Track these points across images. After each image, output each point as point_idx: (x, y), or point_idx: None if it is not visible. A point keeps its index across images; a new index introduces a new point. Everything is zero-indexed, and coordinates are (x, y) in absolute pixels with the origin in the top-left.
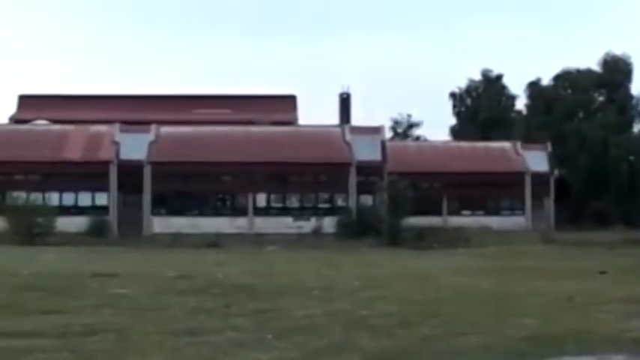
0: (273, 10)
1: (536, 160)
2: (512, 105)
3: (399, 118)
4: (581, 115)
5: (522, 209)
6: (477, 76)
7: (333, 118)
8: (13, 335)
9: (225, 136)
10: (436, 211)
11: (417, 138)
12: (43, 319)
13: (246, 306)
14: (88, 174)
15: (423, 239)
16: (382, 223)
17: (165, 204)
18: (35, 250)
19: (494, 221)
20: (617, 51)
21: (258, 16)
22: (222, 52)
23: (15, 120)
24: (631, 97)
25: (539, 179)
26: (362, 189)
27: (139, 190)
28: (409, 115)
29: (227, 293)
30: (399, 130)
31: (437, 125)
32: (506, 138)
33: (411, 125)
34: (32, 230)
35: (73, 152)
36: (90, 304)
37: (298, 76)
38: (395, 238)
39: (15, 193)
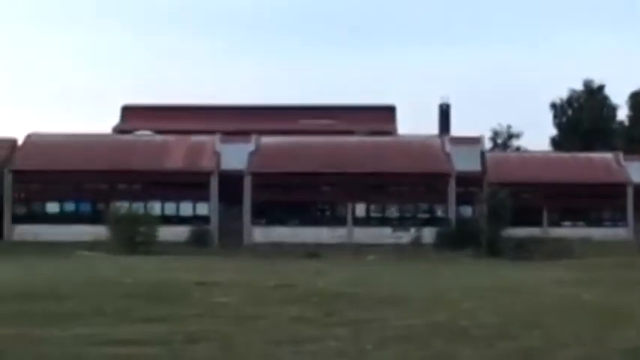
0: (374, 22)
1: (639, 172)
2: (614, 116)
3: (498, 128)
4: None
5: (624, 220)
6: (579, 87)
7: (432, 128)
8: (118, 343)
9: (325, 146)
10: (536, 222)
11: (517, 149)
12: (146, 327)
13: (347, 315)
14: (189, 184)
15: (523, 250)
16: (482, 234)
17: (266, 214)
18: (137, 259)
19: (595, 232)
20: None
21: (359, 27)
22: (322, 63)
23: (118, 130)
24: None
25: None
26: (461, 199)
27: (239, 200)
28: (509, 126)
29: (327, 302)
30: (499, 141)
31: (537, 136)
32: (608, 149)
33: (511, 136)
34: (134, 239)
35: (175, 162)
36: (192, 312)
37: (398, 87)
38: (495, 248)
39: (118, 203)
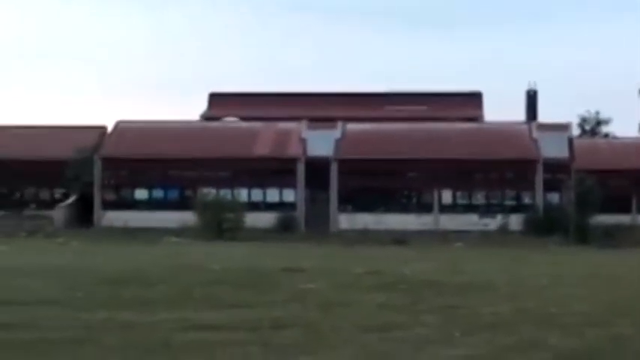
0: (462, 7)
1: None
2: None
3: (586, 115)
4: None
5: None
6: None
7: (519, 115)
8: (206, 328)
9: (411, 132)
10: (625, 209)
11: (606, 135)
12: (233, 312)
13: (434, 302)
14: (275, 170)
15: (611, 238)
16: (569, 221)
17: (352, 200)
18: (224, 245)
19: None
20: None
21: (445, 13)
22: (408, 49)
23: (206, 117)
24: None
25: None
26: (548, 186)
27: (325, 186)
28: (597, 112)
29: (414, 290)
30: (587, 128)
31: (626, 122)
32: None
33: (599, 122)
34: (222, 226)
35: (262, 149)
36: (279, 298)
37: (485, 73)
38: (582, 236)
39: (205, 189)
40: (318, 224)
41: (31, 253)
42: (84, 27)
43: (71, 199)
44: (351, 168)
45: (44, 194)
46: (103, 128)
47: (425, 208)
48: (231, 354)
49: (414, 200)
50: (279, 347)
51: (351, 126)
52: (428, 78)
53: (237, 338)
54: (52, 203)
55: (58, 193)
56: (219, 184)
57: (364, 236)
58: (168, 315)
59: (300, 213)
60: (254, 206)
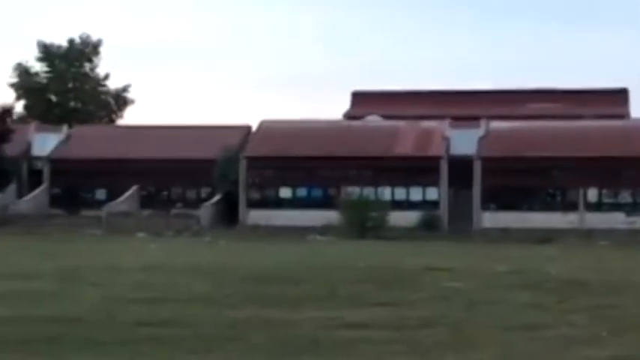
0: (603, 2)
1: None
2: None
3: None
4: None
5: None
6: None
7: None
8: (352, 327)
9: (556, 130)
10: None
11: None
12: (379, 311)
13: (580, 302)
14: (418, 169)
15: None
16: None
17: (495, 199)
18: (368, 243)
19: None
20: None
21: (586, 8)
22: (551, 45)
23: (348, 116)
24: None
25: None
26: None
27: (468, 185)
28: None
29: (560, 289)
30: None
31: None
32: None
33: None
34: (365, 224)
35: (404, 148)
36: (423, 297)
37: (631, 70)
38: None
39: (349, 188)
40: (461, 223)
41: (179, 251)
42: (226, 28)
43: (216, 198)
44: (494, 166)
45: (190, 193)
46: (247, 128)
47: (570, 206)
48: (376, 352)
49: (559, 198)
50: (425, 346)
51: (495, 124)
52: (573, 75)
53: (383, 337)
54: (198, 202)
55: (204, 192)
56: (362, 182)
57: (508, 235)
58: (313, 313)
59: (443, 212)
60: (397, 205)
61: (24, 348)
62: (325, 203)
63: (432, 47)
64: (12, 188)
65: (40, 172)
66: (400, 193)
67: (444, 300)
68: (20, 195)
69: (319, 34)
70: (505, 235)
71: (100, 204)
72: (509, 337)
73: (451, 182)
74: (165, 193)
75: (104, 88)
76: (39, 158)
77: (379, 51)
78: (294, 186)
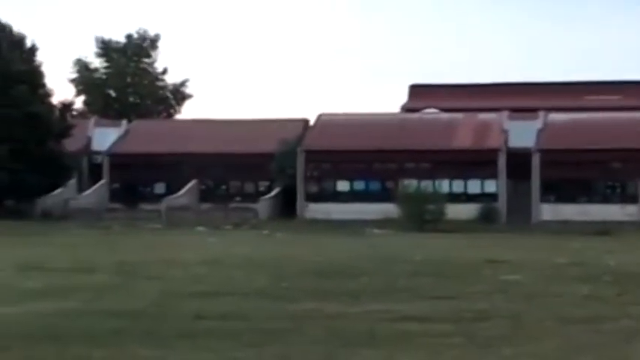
0: None
1: None
2: None
3: None
4: None
5: None
6: None
7: None
8: (410, 319)
9: (615, 122)
10: None
11: None
12: (437, 303)
13: None
14: (476, 162)
15: None
16: None
17: (554, 191)
18: (426, 236)
19: None
20: None
21: None
22: (611, 36)
23: (406, 109)
24: None
25: None
26: None
27: (527, 177)
28: None
29: (619, 281)
30: None
31: None
32: None
33: None
34: (423, 217)
35: (462, 140)
36: (482, 290)
37: None
38: None
39: (407, 181)
40: (519, 215)
41: (238, 244)
42: (283, 21)
43: (275, 192)
44: (553, 159)
45: (249, 187)
46: (305, 121)
47: (629, 198)
48: (435, 345)
49: (618, 190)
50: (483, 339)
51: (553, 116)
52: (632, 66)
53: (442, 329)
54: (256, 196)
55: (262, 185)
56: (420, 175)
57: (566, 227)
58: (372, 306)
59: (501, 204)
60: (455, 197)
61: (87, 341)
62: (383, 196)
63: (489, 39)
64: (72, 183)
65: (99, 167)
66: (458, 186)
67: (502, 293)
68: (81, 190)
69: (377, 27)
70: (564, 227)
71: (159, 198)
72: (569, 330)
73: (509, 175)
74: (223, 186)
75: (162, 83)
76: (99, 153)
77: (437, 44)
78: (351, 179)
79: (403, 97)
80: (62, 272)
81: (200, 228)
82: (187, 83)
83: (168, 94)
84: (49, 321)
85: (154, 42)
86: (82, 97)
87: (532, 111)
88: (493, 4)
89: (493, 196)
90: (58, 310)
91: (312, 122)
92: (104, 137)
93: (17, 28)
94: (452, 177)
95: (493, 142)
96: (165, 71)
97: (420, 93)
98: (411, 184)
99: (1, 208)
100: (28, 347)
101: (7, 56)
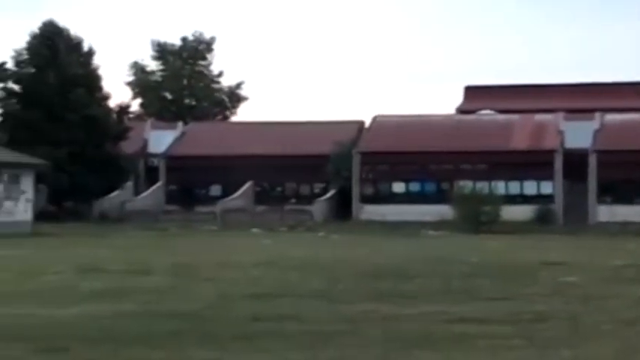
0: None
1: None
2: None
3: None
4: None
5: None
6: None
7: None
8: (467, 321)
9: None
10: None
11: None
12: (494, 305)
13: None
14: (533, 163)
15: None
16: None
17: (611, 192)
18: (482, 238)
19: None
20: None
21: None
22: None
23: (461, 110)
24: None
25: None
26: None
27: (583, 178)
28: None
29: None
30: None
31: None
32: None
33: None
34: (479, 218)
35: (519, 142)
36: (539, 291)
37: None
38: None
39: (462, 182)
40: (576, 216)
41: (293, 246)
42: (337, 24)
43: (330, 194)
44: (610, 159)
45: (304, 189)
46: (360, 123)
47: None
48: (492, 347)
49: None
50: (542, 340)
51: (610, 117)
52: None
53: (499, 331)
54: (311, 198)
55: (317, 187)
56: (476, 176)
57: (624, 228)
58: (428, 308)
59: (558, 205)
60: (511, 199)
61: (146, 343)
62: (438, 198)
63: (544, 40)
64: (129, 185)
65: (156, 169)
66: (514, 187)
67: (559, 294)
68: (137, 192)
69: (431, 29)
70: (621, 228)
71: (214, 200)
72: (627, 332)
73: (566, 176)
74: (279, 188)
75: (218, 85)
76: (155, 155)
77: (492, 45)
78: (407, 181)
79: (458, 99)
80: (119, 274)
81: (255, 230)
82: (243, 85)
83: (224, 97)
84: (106, 323)
85: (209, 44)
86: (138, 100)
87: (588, 112)
88: (549, 4)
89: (549, 198)
90: (115, 311)
91: (367, 124)
92: (160, 140)
93: (75, 31)
94: (508, 178)
95: (549, 143)
96: (220, 74)
97: (475, 94)
98: (466, 185)
99: (60, 210)
100: (86, 349)
101: (65, 60)
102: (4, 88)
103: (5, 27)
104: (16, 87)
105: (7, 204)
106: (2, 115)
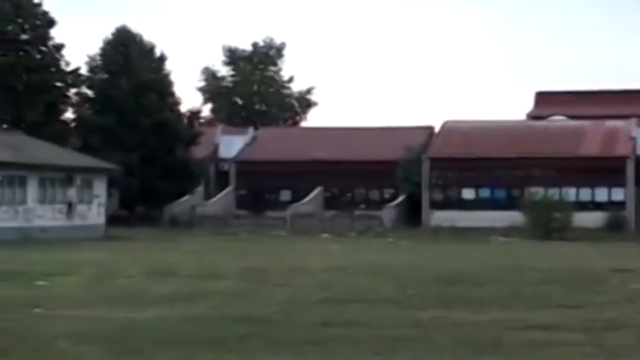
0: None
1: None
2: None
3: None
4: None
5: None
6: None
7: None
8: (537, 328)
9: None
10: None
11: None
12: (565, 312)
13: None
14: (604, 169)
15: None
16: None
17: None
18: (552, 245)
19: None
20: None
21: None
22: None
23: (532, 116)
24: None
25: None
26: None
27: None
28: None
29: None
30: None
31: None
32: None
33: None
34: (550, 225)
35: (590, 148)
36: (610, 299)
37: None
38: None
39: (533, 189)
40: None
41: (362, 252)
42: (407, 30)
43: (399, 199)
44: None
45: (373, 194)
46: (430, 128)
47: None
48: (563, 355)
49: None
50: (613, 349)
51: None
52: None
53: (569, 338)
54: (381, 203)
55: (387, 193)
56: (546, 183)
57: None
58: (498, 314)
59: (629, 212)
60: (582, 205)
61: (217, 346)
62: (508, 204)
63: (616, 46)
64: (200, 190)
65: (226, 174)
66: (585, 194)
67: (630, 302)
68: (208, 197)
69: (503, 34)
70: None
71: (284, 205)
72: None
73: (638, 182)
74: (348, 194)
75: (288, 91)
76: (225, 160)
77: (562, 50)
78: (477, 187)
79: (529, 105)
80: (190, 278)
81: (325, 235)
82: (313, 91)
83: (294, 102)
84: (178, 326)
85: (279, 50)
86: (209, 105)
87: None
88: (620, 10)
89: (621, 204)
90: (187, 315)
91: (437, 129)
92: (231, 145)
93: (147, 37)
94: (579, 185)
95: (621, 149)
96: (291, 79)
97: (545, 100)
98: (537, 191)
99: (131, 215)
100: (158, 352)
101: (138, 66)
102: (78, 94)
103: (79, 33)
104: (89, 92)
105: (81, 208)
106: (76, 120)
